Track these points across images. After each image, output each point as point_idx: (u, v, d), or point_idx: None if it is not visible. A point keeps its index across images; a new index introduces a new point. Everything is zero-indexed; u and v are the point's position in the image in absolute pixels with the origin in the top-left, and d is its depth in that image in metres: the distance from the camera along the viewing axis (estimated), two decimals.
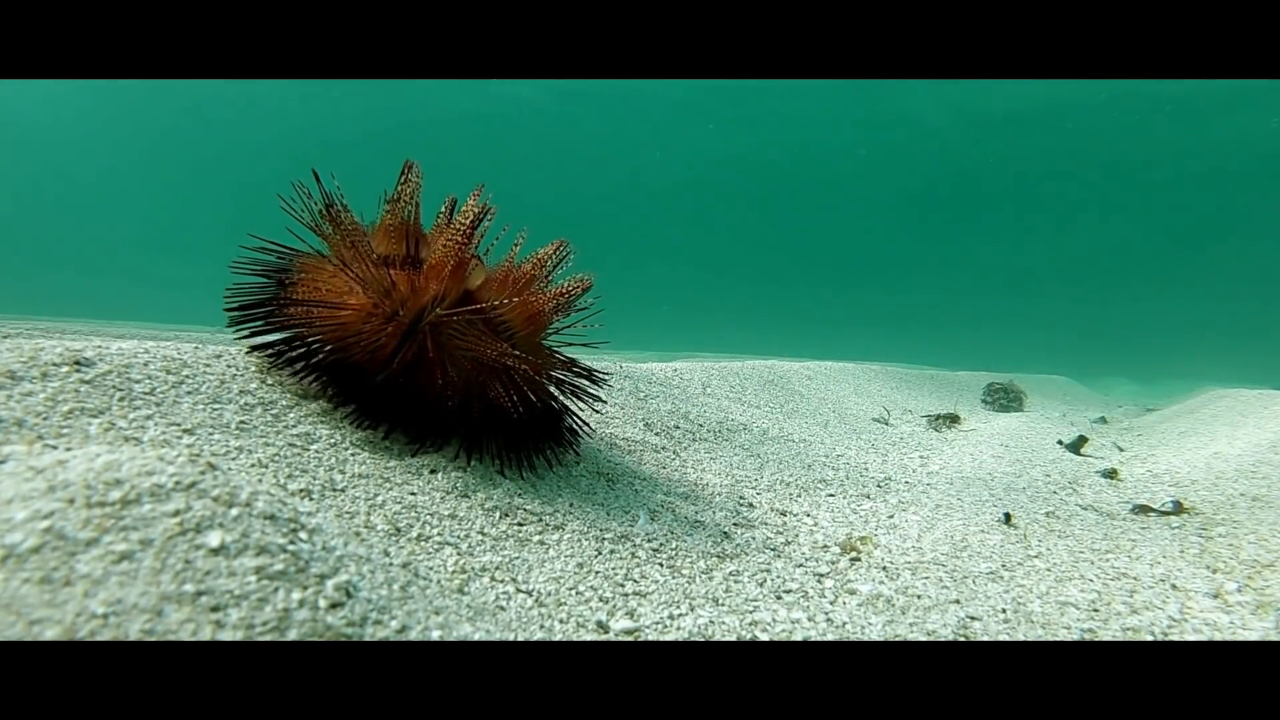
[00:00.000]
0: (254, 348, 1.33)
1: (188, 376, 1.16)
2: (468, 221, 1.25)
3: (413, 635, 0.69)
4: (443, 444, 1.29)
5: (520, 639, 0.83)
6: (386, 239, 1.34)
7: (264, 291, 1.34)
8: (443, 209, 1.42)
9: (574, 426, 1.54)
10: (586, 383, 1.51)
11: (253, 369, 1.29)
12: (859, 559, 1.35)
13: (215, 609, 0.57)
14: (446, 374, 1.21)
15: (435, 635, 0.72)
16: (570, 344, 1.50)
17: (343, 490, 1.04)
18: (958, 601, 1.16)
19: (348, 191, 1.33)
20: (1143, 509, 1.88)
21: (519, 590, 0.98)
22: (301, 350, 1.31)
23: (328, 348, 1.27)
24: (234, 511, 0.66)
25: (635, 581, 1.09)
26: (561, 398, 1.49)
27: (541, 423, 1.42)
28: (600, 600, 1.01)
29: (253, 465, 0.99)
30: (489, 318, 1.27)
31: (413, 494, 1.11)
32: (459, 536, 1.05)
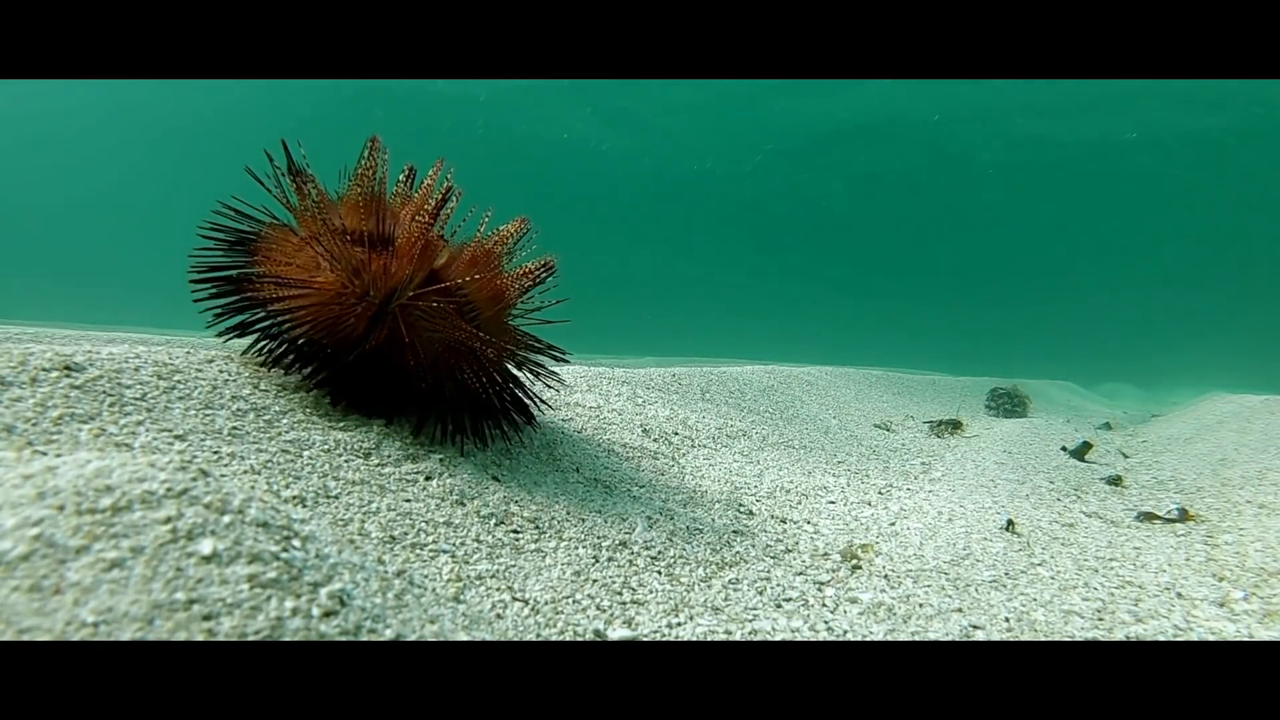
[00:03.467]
0: (222, 331, 1.33)
1: (179, 382, 1.15)
2: (435, 202, 1.26)
3: None
4: (416, 424, 1.31)
5: None
6: (350, 213, 1.34)
7: (230, 267, 1.33)
8: (401, 177, 1.42)
9: (538, 403, 1.59)
10: (549, 360, 1.54)
11: (245, 374, 1.29)
12: (860, 567, 1.33)
13: (207, 617, 0.56)
14: (418, 356, 1.23)
15: None
16: (545, 320, 1.52)
17: (337, 497, 1.03)
18: (960, 610, 1.14)
19: (324, 177, 1.33)
20: (1148, 516, 1.86)
21: (515, 599, 0.97)
22: (268, 329, 1.32)
23: (299, 328, 1.28)
24: (226, 519, 0.65)
25: (633, 590, 1.08)
26: (526, 376, 1.53)
27: (508, 400, 1.45)
28: (598, 609, 1.00)
29: (245, 472, 0.99)
30: (457, 301, 1.29)
31: (408, 501, 1.10)
32: (454, 544, 1.04)
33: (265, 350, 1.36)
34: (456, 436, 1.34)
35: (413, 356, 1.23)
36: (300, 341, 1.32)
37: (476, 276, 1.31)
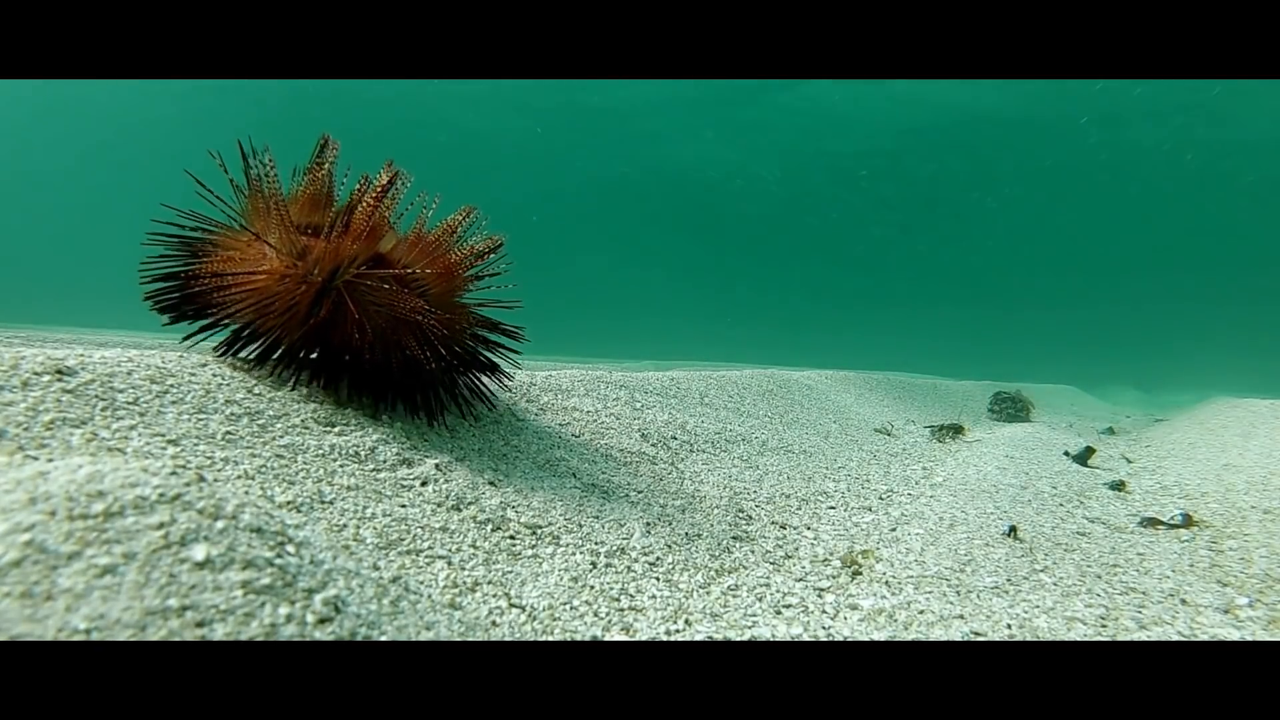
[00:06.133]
0: (184, 330, 1.36)
1: (172, 386, 1.15)
2: (381, 185, 1.30)
3: None
4: (369, 400, 1.34)
5: None
6: (303, 209, 1.39)
7: (179, 265, 1.37)
8: (359, 185, 1.48)
9: (491, 380, 1.61)
10: (503, 338, 1.57)
11: (239, 379, 1.28)
12: (860, 573, 1.32)
13: (200, 624, 0.56)
14: (363, 329, 1.26)
15: None
16: (489, 303, 1.55)
17: (331, 502, 1.02)
18: (962, 617, 1.13)
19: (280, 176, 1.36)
20: (1151, 522, 1.85)
21: (512, 605, 0.96)
22: (215, 320, 1.35)
23: (247, 313, 1.31)
24: (220, 524, 0.65)
25: (631, 596, 1.07)
26: (483, 353, 1.56)
27: (460, 375, 1.49)
28: (595, 615, 0.99)
29: (239, 477, 0.98)
30: (401, 275, 1.32)
31: (403, 506, 1.10)
32: (450, 550, 1.04)
33: (230, 346, 1.39)
34: (411, 412, 1.36)
35: (356, 329, 1.26)
36: (247, 332, 1.35)
37: (426, 270, 1.36)
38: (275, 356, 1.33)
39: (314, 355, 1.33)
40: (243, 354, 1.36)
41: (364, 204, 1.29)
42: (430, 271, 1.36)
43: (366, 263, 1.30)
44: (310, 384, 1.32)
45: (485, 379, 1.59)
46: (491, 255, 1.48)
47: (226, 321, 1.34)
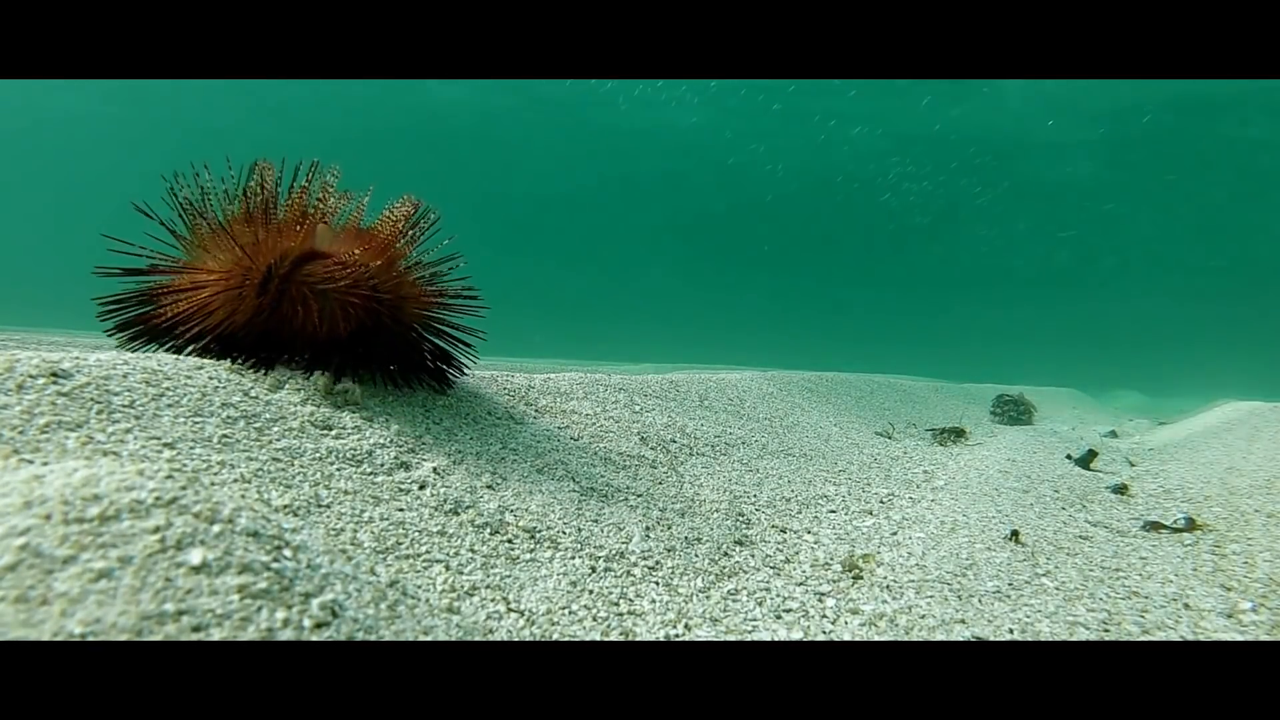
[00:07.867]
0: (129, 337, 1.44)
1: (168, 389, 1.14)
2: (304, 184, 1.41)
3: None
4: (333, 374, 1.38)
5: None
6: (245, 227, 1.47)
7: (135, 295, 1.45)
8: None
9: (457, 350, 1.66)
10: (460, 304, 1.61)
11: (235, 382, 1.28)
12: (861, 577, 1.32)
13: (197, 629, 0.56)
14: (307, 303, 1.34)
15: None
16: (438, 272, 1.59)
17: (329, 506, 1.02)
18: (963, 621, 1.13)
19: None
20: (1154, 525, 1.84)
21: (510, 609, 0.95)
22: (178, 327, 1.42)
23: (200, 315, 1.38)
24: (216, 528, 0.65)
25: (630, 601, 1.07)
26: (443, 321, 1.61)
27: (415, 344, 1.55)
28: (594, 620, 0.99)
29: (236, 480, 0.98)
30: (332, 255, 1.40)
31: (400, 510, 1.09)
32: (448, 554, 1.03)
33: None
34: (361, 378, 1.42)
35: (301, 304, 1.34)
36: (211, 331, 1.41)
37: (354, 245, 1.44)
38: (231, 348, 1.39)
39: (267, 340, 1.39)
40: (190, 347, 1.41)
41: (293, 200, 1.41)
42: (368, 250, 1.43)
43: (304, 252, 1.39)
44: (269, 368, 1.36)
45: (446, 347, 1.65)
46: (422, 222, 1.53)
47: (180, 331, 1.40)
